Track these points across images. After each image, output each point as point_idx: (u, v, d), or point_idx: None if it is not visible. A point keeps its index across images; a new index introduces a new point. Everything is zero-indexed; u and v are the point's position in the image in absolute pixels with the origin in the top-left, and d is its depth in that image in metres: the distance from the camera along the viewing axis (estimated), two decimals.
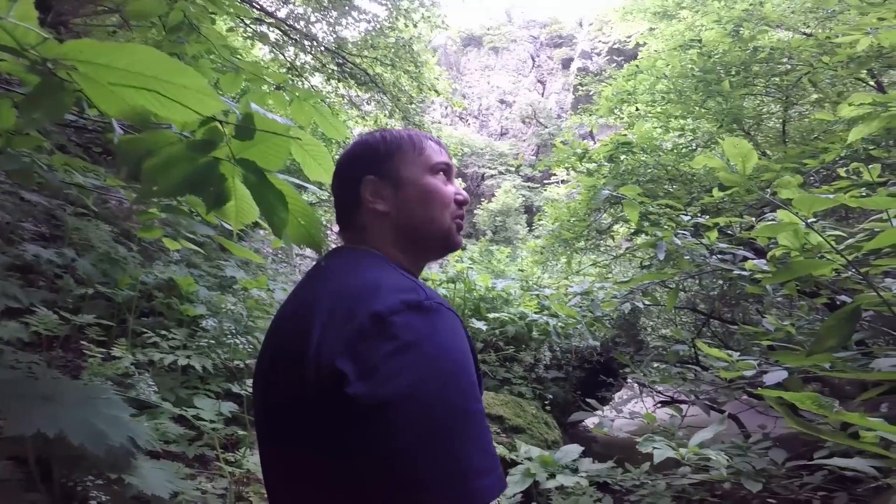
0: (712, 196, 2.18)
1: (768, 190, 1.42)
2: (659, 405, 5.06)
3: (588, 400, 2.57)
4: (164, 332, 2.32)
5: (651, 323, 5.76)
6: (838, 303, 2.56)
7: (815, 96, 3.81)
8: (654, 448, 1.74)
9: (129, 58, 0.57)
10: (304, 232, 0.80)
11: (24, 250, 2.22)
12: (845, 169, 1.66)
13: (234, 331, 2.26)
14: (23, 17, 0.57)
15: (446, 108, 25.41)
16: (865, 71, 3.42)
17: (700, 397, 2.79)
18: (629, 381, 5.80)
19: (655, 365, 4.16)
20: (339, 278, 0.65)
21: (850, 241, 1.60)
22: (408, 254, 0.74)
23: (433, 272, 5.96)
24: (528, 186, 22.12)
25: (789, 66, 3.66)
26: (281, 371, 0.61)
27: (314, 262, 0.75)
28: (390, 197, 0.74)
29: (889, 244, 1.23)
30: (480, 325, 4.73)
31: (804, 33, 4.38)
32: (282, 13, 7.13)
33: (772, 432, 2.96)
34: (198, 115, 0.63)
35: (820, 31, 4.16)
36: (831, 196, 1.14)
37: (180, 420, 2.10)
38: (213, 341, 2.22)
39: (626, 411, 2.44)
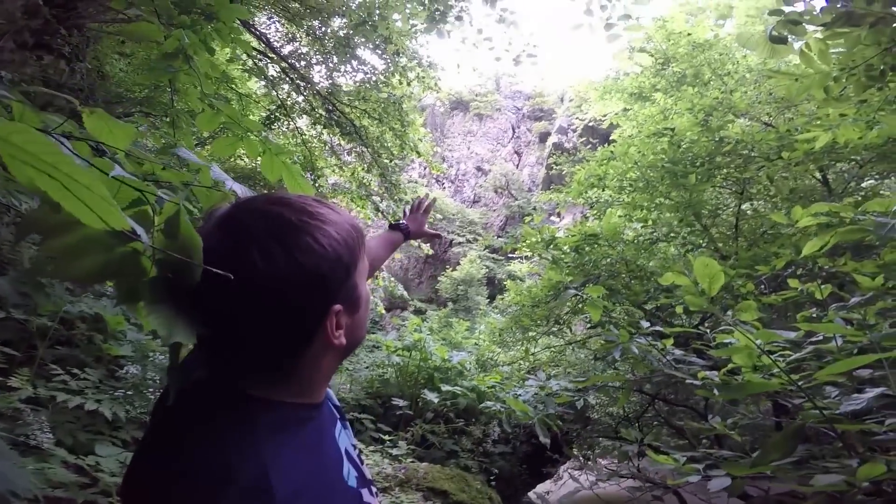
0: (669, 296, 2.23)
1: (729, 313, 1.46)
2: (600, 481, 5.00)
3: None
4: (75, 371, 2.08)
5: (598, 401, 5.81)
6: (781, 403, 2.63)
7: (770, 191, 4.01)
8: None
9: (23, 135, 0.48)
10: None
11: None
12: (800, 289, 1.71)
13: (158, 382, 2.04)
14: None
15: (425, 168, 26.07)
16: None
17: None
18: (575, 452, 5.78)
19: (601, 442, 4.12)
20: (200, 451, 0.51)
21: (798, 354, 1.64)
22: (327, 377, 0.65)
23: (388, 339, 5.85)
24: (493, 258, 22.47)
25: (749, 157, 3.78)
26: None
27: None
28: (347, 325, 0.62)
29: (839, 371, 1.29)
30: (433, 396, 4.76)
31: (766, 123, 4.69)
32: (286, 50, 7.19)
33: None
34: (103, 224, 0.52)
35: (780, 120, 4.45)
36: (792, 335, 1.16)
37: (76, 465, 1.84)
38: (129, 392, 2.00)
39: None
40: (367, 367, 5.55)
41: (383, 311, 11.56)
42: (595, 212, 5.60)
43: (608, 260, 4.11)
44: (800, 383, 1.43)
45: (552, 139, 27.73)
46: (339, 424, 0.71)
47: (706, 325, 3.02)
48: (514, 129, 32.41)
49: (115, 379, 2.16)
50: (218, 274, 0.51)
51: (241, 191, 0.88)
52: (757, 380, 1.39)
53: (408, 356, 5.29)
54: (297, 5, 6.25)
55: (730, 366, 1.52)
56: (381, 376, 5.35)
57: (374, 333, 7.96)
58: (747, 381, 1.37)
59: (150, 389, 2.05)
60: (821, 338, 1.59)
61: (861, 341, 1.42)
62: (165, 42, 1.90)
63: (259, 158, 1.67)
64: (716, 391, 1.51)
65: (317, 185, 6.86)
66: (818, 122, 2.97)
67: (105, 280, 0.62)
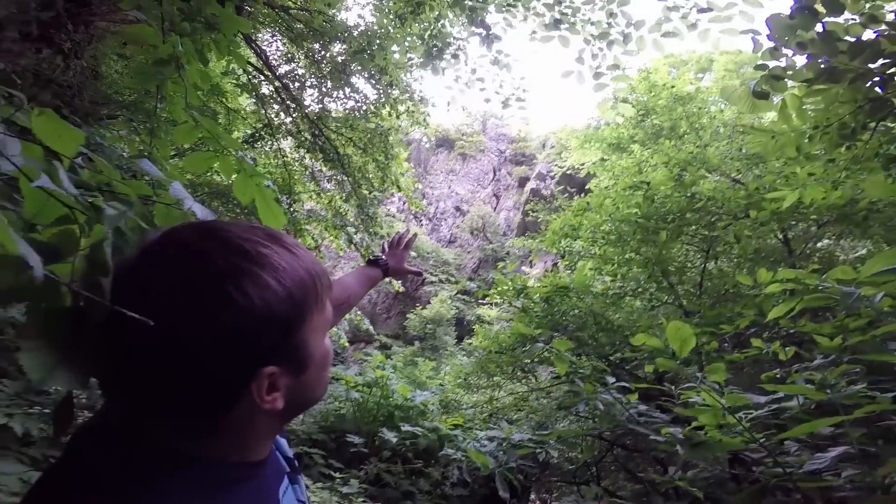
0: (635, 349, 2.22)
1: (699, 375, 1.47)
2: None
3: None
4: None
5: (558, 448, 5.73)
6: (739, 456, 2.65)
7: (733, 250, 4.04)
8: None
9: None
10: None
11: None
12: (765, 350, 1.72)
13: (85, 401, 1.86)
14: None
15: (404, 203, 26.02)
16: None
17: None
18: (533, 497, 5.64)
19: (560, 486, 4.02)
20: None
21: (760, 412, 1.63)
22: (268, 436, 0.57)
23: (349, 373, 5.64)
24: (464, 299, 22.36)
25: (718, 215, 3.81)
26: None
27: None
28: (288, 386, 0.52)
29: (806, 432, 1.28)
30: (391, 434, 4.57)
31: (735, 180, 4.81)
32: (283, 69, 7.17)
33: None
34: None
35: (749, 176, 4.55)
36: (761, 399, 1.16)
37: None
38: (48, 410, 1.81)
39: None
40: (322, 401, 5.33)
41: (346, 344, 11.22)
42: (567, 262, 5.64)
43: (577, 311, 4.11)
44: (762, 441, 1.42)
45: (530, 185, 27.92)
46: (285, 481, 0.62)
47: (667, 378, 3.01)
48: (495, 172, 32.76)
49: (37, 393, 1.97)
50: (121, 314, 0.43)
51: (201, 212, 0.81)
52: (721, 437, 1.37)
53: (368, 392, 5.11)
54: (301, 26, 6.33)
55: (694, 423, 1.50)
56: (338, 411, 5.14)
57: (334, 366, 7.67)
58: (712, 439, 1.35)
59: (75, 409, 1.86)
60: (781, 395, 1.59)
61: (821, 399, 1.43)
62: (160, 47, 1.85)
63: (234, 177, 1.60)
64: (680, 448, 1.48)
65: (292, 209, 6.73)
66: (785, 181, 3.07)
67: (14, 303, 0.54)
